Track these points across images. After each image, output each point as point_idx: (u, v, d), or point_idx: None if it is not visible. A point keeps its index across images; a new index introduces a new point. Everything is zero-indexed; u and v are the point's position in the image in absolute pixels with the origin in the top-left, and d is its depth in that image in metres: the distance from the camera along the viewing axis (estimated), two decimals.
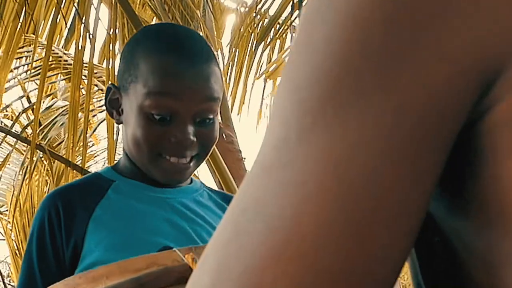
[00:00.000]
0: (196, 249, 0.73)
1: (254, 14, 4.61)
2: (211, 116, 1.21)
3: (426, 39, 0.30)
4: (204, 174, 4.05)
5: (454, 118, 0.32)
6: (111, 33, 3.74)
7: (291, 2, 4.40)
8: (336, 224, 0.31)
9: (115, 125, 3.97)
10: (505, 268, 0.32)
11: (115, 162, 1.35)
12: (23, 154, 5.55)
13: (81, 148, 4.12)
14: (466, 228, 0.34)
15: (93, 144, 6.36)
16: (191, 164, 1.23)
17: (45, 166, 5.02)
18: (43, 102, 4.76)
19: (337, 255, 0.31)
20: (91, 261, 1.15)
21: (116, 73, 3.64)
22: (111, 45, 3.75)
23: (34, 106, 4.10)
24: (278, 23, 4.87)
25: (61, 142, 5.17)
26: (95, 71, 3.92)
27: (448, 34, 0.30)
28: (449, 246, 0.36)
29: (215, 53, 1.35)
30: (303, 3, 4.09)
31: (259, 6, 4.63)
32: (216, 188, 1.44)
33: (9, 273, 10.83)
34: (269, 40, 4.96)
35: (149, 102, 1.15)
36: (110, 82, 1.26)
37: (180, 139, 1.17)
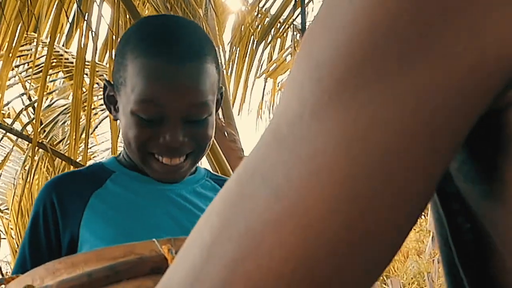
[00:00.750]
0: (175, 240, 0.73)
1: (255, 13, 4.61)
2: (203, 117, 1.18)
3: (455, 26, 0.31)
4: None
5: (474, 107, 0.32)
6: (113, 30, 3.74)
7: (293, 1, 4.40)
8: (342, 200, 0.31)
9: (117, 122, 3.98)
10: None
11: (119, 153, 1.33)
12: (23, 153, 5.55)
13: (82, 146, 4.13)
14: (497, 215, 0.34)
15: (94, 145, 6.36)
16: (186, 163, 1.21)
17: (45, 164, 5.01)
18: (44, 100, 4.75)
19: (340, 230, 0.31)
20: (85, 248, 1.16)
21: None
22: (113, 43, 3.76)
23: (35, 104, 4.10)
24: (279, 22, 4.87)
25: (61, 140, 5.17)
26: (96, 69, 3.92)
27: (479, 23, 0.31)
28: (479, 233, 0.37)
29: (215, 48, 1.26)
30: (305, 2, 4.10)
31: (261, 5, 4.63)
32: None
33: (8, 271, 10.81)
34: (270, 39, 4.96)
35: (136, 107, 1.14)
36: (105, 79, 1.23)
37: (169, 140, 1.15)
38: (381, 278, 13.57)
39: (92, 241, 1.17)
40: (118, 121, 1.25)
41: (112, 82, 1.24)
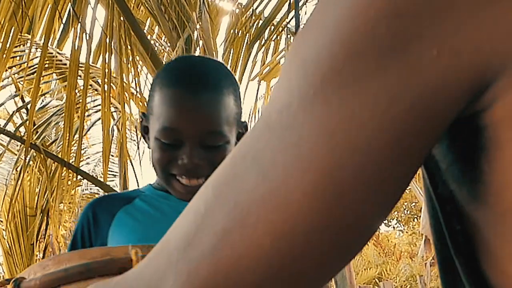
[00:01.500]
0: (148, 247, 0.81)
1: (249, 16, 4.61)
2: (219, 144, 1.29)
3: (428, 33, 0.33)
4: None
5: (446, 108, 0.34)
6: (107, 32, 3.74)
7: (287, 4, 4.41)
8: (319, 186, 0.35)
9: (110, 125, 3.97)
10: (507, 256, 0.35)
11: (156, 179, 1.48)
12: (15, 154, 5.53)
13: (75, 147, 4.12)
14: (481, 215, 0.36)
15: (86, 147, 6.35)
16: None
17: (37, 165, 5.00)
18: (37, 101, 4.74)
19: (317, 212, 0.35)
20: None
21: (113, 74, 3.57)
22: (107, 45, 3.75)
23: (29, 106, 4.09)
24: (273, 25, 4.88)
25: (54, 142, 5.16)
26: (90, 71, 3.91)
27: (450, 30, 0.33)
28: (469, 234, 0.38)
29: (235, 81, 1.38)
30: (299, 5, 4.11)
31: (254, 7, 4.64)
32: None
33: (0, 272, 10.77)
34: (263, 41, 4.96)
35: (159, 134, 1.27)
36: (142, 112, 1.36)
37: (186, 163, 1.27)
38: (374, 280, 13.56)
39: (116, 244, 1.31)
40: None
41: (144, 114, 1.38)
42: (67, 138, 3.71)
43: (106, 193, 1.79)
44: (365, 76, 0.34)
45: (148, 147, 1.36)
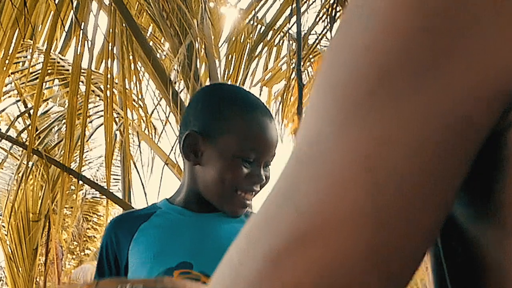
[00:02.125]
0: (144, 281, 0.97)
1: (251, 21, 4.62)
2: (271, 163, 1.48)
3: (457, 49, 0.33)
4: None
5: (480, 126, 0.33)
6: (109, 39, 3.75)
7: (288, 10, 4.42)
8: (358, 212, 0.33)
9: (112, 131, 3.98)
10: None
11: (172, 195, 1.57)
12: (17, 159, 5.54)
13: (77, 153, 4.13)
14: (492, 236, 0.36)
15: (88, 151, 6.36)
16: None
17: (40, 171, 5.01)
18: (40, 107, 4.76)
19: (358, 241, 0.33)
20: (130, 270, 1.45)
21: (116, 80, 3.57)
22: (109, 51, 3.77)
23: (31, 111, 4.10)
24: (275, 30, 4.89)
25: (56, 145, 5.17)
26: (92, 77, 3.93)
27: (477, 45, 0.33)
28: (472, 256, 0.38)
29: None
30: (301, 11, 4.12)
31: (256, 13, 4.65)
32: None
33: (1, 276, 10.78)
34: (265, 48, 4.97)
35: (241, 152, 1.41)
36: (189, 130, 1.45)
37: (256, 180, 1.43)
38: None
39: (135, 265, 1.44)
40: (196, 166, 1.45)
41: (198, 133, 1.45)
42: (69, 144, 3.72)
43: (126, 211, 1.86)
44: (399, 96, 0.33)
45: (194, 164, 1.45)
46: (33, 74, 4.51)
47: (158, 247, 1.43)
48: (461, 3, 0.33)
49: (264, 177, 1.45)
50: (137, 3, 4.39)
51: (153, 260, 1.41)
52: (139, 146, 4.25)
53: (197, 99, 1.52)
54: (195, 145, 1.44)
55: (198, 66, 3.92)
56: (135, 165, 4.23)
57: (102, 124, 4.13)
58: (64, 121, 4.21)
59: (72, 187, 7.02)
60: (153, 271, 1.40)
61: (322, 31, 4.83)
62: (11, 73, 4.48)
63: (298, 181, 0.35)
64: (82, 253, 13.83)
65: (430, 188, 0.33)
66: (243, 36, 4.76)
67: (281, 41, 5.15)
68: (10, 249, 7.07)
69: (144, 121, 4.35)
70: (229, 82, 4.69)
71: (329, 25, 4.27)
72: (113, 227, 1.51)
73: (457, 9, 0.33)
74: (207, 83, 4.26)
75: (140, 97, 4.13)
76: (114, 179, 8.55)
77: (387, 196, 0.33)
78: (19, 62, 4.80)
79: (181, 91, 4.01)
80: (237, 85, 1.68)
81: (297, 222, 0.34)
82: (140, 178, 3.98)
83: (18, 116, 4.81)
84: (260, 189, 1.47)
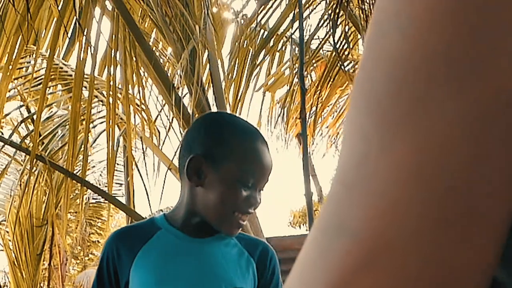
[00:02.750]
0: None
1: (254, 27, 4.63)
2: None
3: (507, 45, 0.31)
4: None
5: None
6: (112, 45, 3.76)
7: (291, 15, 4.42)
8: (421, 231, 0.31)
9: (115, 136, 3.99)
10: None
11: (170, 210, 1.68)
12: (21, 165, 5.55)
13: (80, 158, 4.14)
14: None
15: (89, 155, 6.36)
16: None
17: (43, 177, 5.02)
18: (44, 113, 4.77)
19: (424, 263, 0.31)
20: None
21: (119, 86, 3.58)
22: (112, 57, 3.77)
23: (34, 116, 4.11)
24: (278, 35, 4.89)
25: (58, 151, 5.18)
26: (95, 82, 3.93)
27: None
28: None
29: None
30: (303, 16, 4.12)
31: (259, 18, 4.65)
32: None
33: (6, 282, 10.79)
34: (268, 52, 4.97)
35: (242, 178, 1.54)
36: (193, 153, 1.56)
37: (253, 202, 1.56)
38: None
39: (137, 285, 1.55)
40: (198, 187, 1.56)
41: (202, 157, 1.56)
42: (72, 149, 3.72)
43: (127, 225, 2.00)
44: (447, 100, 0.31)
45: (196, 185, 1.55)
46: (37, 79, 4.52)
47: (158, 274, 1.56)
48: None
49: (259, 200, 1.58)
50: (140, 8, 4.40)
51: (153, 283, 1.54)
52: (143, 151, 4.26)
53: (200, 125, 1.64)
54: (198, 168, 1.55)
55: (200, 71, 3.92)
56: (138, 170, 4.23)
57: (105, 130, 4.13)
58: (67, 126, 4.22)
59: (76, 191, 7.03)
60: None
61: (325, 36, 4.83)
62: (14, 78, 4.49)
63: (350, 207, 0.33)
64: (86, 258, 13.85)
65: (492, 198, 0.31)
66: (246, 41, 4.76)
67: (284, 46, 5.15)
68: (14, 254, 7.08)
69: (147, 126, 4.36)
70: (231, 89, 4.70)
71: (331, 30, 4.27)
72: (115, 241, 1.61)
73: (499, 4, 0.32)
74: (210, 88, 4.27)
75: (143, 102, 4.13)
76: (117, 183, 8.56)
77: (446, 212, 0.31)
78: (22, 68, 4.81)
79: (184, 96, 4.02)
80: (233, 114, 1.82)
81: (355, 251, 0.32)
82: (144, 183, 3.98)
83: (21, 122, 4.83)
84: (254, 210, 1.60)
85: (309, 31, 4.74)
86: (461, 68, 0.32)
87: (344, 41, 4.69)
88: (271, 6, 4.71)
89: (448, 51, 0.32)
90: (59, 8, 3.74)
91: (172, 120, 4.02)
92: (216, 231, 1.60)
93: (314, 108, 5.07)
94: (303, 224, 20.46)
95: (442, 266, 0.31)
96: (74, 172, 4.19)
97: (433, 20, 0.33)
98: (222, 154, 1.56)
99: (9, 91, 4.40)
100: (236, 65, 4.71)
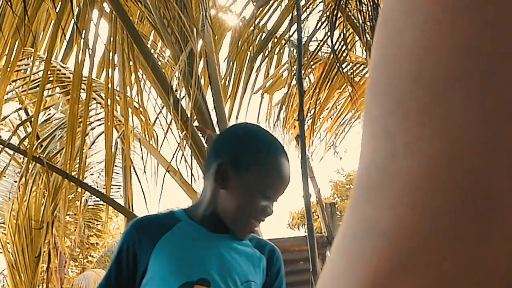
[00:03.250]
0: None
1: (252, 29, 4.63)
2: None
3: None
4: (201, 188, 4.06)
5: None
6: (110, 47, 3.76)
7: (289, 17, 4.43)
8: (455, 226, 0.30)
9: (113, 139, 3.99)
10: None
11: (189, 206, 1.83)
12: (20, 167, 5.54)
13: (78, 160, 4.13)
14: None
15: (88, 157, 6.36)
16: None
17: (42, 179, 5.02)
18: (42, 115, 4.76)
19: (461, 261, 0.30)
20: (150, 275, 1.66)
21: (117, 88, 3.58)
22: (109, 60, 3.77)
23: (32, 119, 4.11)
24: (276, 38, 4.90)
25: (57, 153, 5.18)
26: (93, 84, 3.93)
27: None
28: None
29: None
30: (301, 18, 4.12)
31: (257, 21, 4.66)
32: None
33: (4, 285, 10.78)
34: (266, 54, 4.98)
35: (264, 188, 1.68)
36: (221, 159, 1.70)
37: (270, 212, 1.70)
38: None
39: (156, 273, 1.65)
40: (221, 189, 1.70)
41: (229, 163, 1.70)
42: (70, 151, 3.72)
43: (147, 215, 1.97)
44: (472, 95, 0.31)
45: (220, 187, 1.69)
46: (35, 82, 4.52)
47: (179, 260, 1.66)
48: None
49: (273, 211, 1.72)
50: (138, 10, 4.40)
51: (174, 272, 1.64)
52: (141, 154, 4.26)
53: (230, 134, 1.81)
54: (225, 173, 1.69)
55: (199, 73, 3.92)
56: (135, 172, 4.23)
57: (103, 132, 4.13)
58: (66, 128, 4.22)
59: (75, 194, 7.02)
60: (174, 282, 1.62)
61: (323, 38, 4.84)
62: (13, 81, 4.49)
63: (379, 208, 0.32)
64: (85, 260, 13.84)
65: None
66: (244, 43, 4.77)
67: (282, 49, 5.16)
68: (12, 256, 7.07)
69: (145, 129, 4.36)
70: (229, 91, 4.70)
71: (329, 32, 4.27)
72: (136, 229, 1.72)
73: None
74: (208, 90, 4.27)
75: (141, 104, 4.13)
76: (115, 185, 8.56)
77: (481, 206, 0.30)
78: (20, 70, 4.81)
79: (182, 98, 4.02)
80: (260, 126, 1.87)
81: (390, 251, 0.31)
82: (141, 185, 3.98)
83: (19, 124, 4.82)
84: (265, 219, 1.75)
85: (307, 33, 4.75)
86: (479, 64, 0.31)
87: (342, 43, 4.69)
88: (269, 8, 4.72)
89: (465, 47, 0.31)
90: (57, 11, 3.74)
91: (170, 122, 4.02)
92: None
93: (312, 110, 5.07)
94: (301, 226, 20.47)
95: (480, 263, 0.30)
96: (72, 174, 4.19)
97: (451, 18, 0.32)
98: (247, 164, 1.70)
99: (7, 94, 4.40)
100: (234, 67, 4.71)
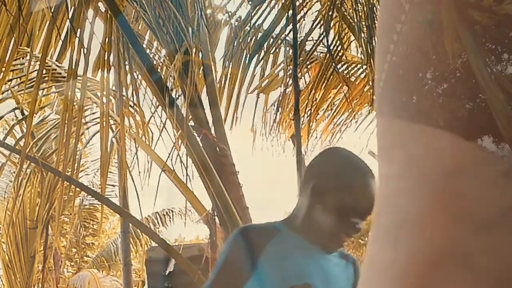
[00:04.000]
0: None
1: (248, 29, 4.63)
2: None
3: None
4: (201, 189, 4.06)
5: None
6: (105, 46, 3.76)
7: (286, 17, 4.43)
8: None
9: (109, 138, 3.98)
10: None
11: (283, 219, 1.96)
12: (17, 167, 5.53)
13: (73, 160, 4.12)
14: None
15: (84, 158, 6.35)
16: None
17: (37, 178, 5.01)
18: (37, 114, 4.76)
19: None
20: (256, 279, 1.79)
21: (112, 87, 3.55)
22: (105, 59, 3.77)
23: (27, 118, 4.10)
24: (272, 37, 4.89)
25: (52, 153, 5.17)
26: (88, 83, 3.93)
27: None
28: None
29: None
30: (297, 19, 4.13)
31: (253, 21, 4.66)
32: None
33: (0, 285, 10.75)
34: (262, 54, 4.98)
35: (355, 209, 1.81)
36: (320, 179, 1.88)
37: (358, 230, 1.84)
38: None
39: (262, 276, 1.77)
40: (318, 205, 1.84)
41: (326, 184, 1.85)
42: (65, 150, 3.71)
43: (251, 224, 2.22)
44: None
45: (318, 203, 1.83)
46: (31, 81, 4.50)
47: (284, 266, 1.81)
48: None
49: (361, 228, 1.87)
50: (133, 10, 4.39)
51: (280, 276, 1.78)
52: (136, 153, 4.25)
53: (324, 157, 1.97)
54: (322, 191, 1.84)
55: (194, 73, 3.92)
56: (130, 172, 4.22)
57: (98, 132, 4.12)
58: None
59: (71, 193, 7.01)
60: (281, 286, 1.75)
61: (319, 37, 4.84)
62: (8, 80, 4.47)
63: (416, 210, 0.33)
64: (81, 260, 13.82)
65: None
66: (239, 43, 4.76)
67: (278, 48, 5.15)
68: (8, 256, 7.06)
69: (141, 128, 4.35)
70: (225, 90, 4.69)
71: (325, 31, 4.27)
72: (242, 235, 1.86)
73: None
74: (204, 90, 4.27)
75: (136, 103, 4.12)
76: (110, 184, 8.55)
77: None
78: (16, 70, 4.80)
79: (177, 97, 4.01)
80: (351, 151, 1.96)
81: (420, 251, 0.32)
82: (135, 185, 3.97)
83: (14, 124, 4.81)
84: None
85: (303, 32, 4.74)
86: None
87: (338, 42, 4.70)
88: (265, 8, 4.71)
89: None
90: (52, 10, 3.73)
91: (165, 121, 4.01)
92: None
93: (308, 110, 5.07)
94: None
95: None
96: (67, 173, 4.18)
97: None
98: (342, 184, 1.85)
99: (3, 93, 4.39)
100: (230, 67, 4.71)
